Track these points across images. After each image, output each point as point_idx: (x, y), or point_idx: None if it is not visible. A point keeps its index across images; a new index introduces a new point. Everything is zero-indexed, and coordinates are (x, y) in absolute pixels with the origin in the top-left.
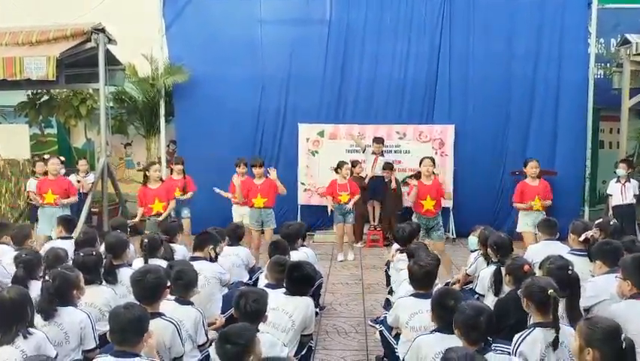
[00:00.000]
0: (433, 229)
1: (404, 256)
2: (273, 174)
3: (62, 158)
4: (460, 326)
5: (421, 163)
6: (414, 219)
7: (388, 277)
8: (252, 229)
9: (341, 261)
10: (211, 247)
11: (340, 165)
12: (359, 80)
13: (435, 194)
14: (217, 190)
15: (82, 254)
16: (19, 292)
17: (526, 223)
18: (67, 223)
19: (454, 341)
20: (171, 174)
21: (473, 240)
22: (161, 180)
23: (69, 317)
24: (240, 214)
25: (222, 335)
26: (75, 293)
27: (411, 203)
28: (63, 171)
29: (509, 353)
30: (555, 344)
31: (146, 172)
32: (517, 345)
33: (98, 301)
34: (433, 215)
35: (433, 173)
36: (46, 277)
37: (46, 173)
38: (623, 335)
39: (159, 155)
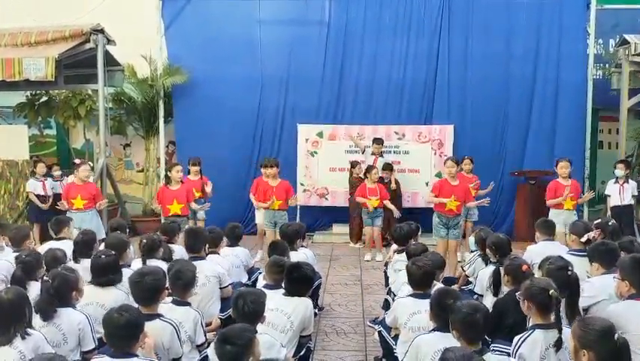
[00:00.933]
0: (453, 227)
1: (402, 256)
2: (293, 201)
3: (91, 164)
4: (457, 326)
5: (445, 164)
6: (434, 217)
7: (387, 277)
8: (266, 229)
9: (367, 261)
10: (207, 245)
11: (369, 170)
12: (358, 81)
13: (461, 196)
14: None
15: (102, 256)
16: (17, 293)
17: (556, 222)
18: (53, 225)
19: (453, 339)
20: (188, 174)
21: (472, 240)
22: (181, 181)
23: (67, 319)
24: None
25: (221, 336)
26: (74, 295)
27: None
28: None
29: (508, 354)
30: (558, 345)
31: (168, 173)
32: (517, 347)
33: (108, 303)
34: (454, 215)
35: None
36: (45, 278)
37: (45, 175)
38: (616, 335)
39: (158, 156)
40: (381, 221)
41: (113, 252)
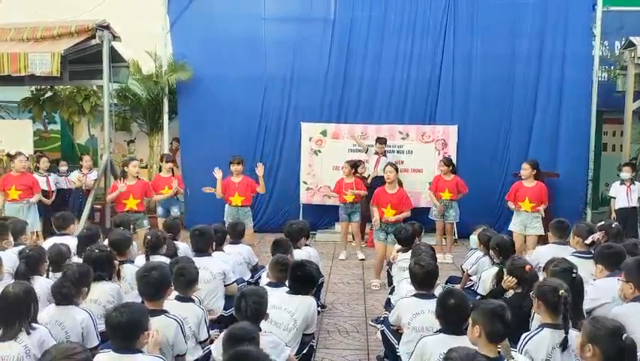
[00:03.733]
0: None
1: (407, 255)
2: (260, 170)
3: (27, 155)
4: (484, 319)
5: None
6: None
7: (390, 276)
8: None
9: (342, 260)
10: (214, 243)
11: (357, 164)
12: (362, 80)
13: (397, 204)
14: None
15: (96, 250)
16: (24, 288)
17: (514, 223)
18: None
19: (459, 342)
20: (160, 171)
21: (474, 238)
22: (137, 177)
23: (71, 317)
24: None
25: (229, 334)
26: (84, 291)
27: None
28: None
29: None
30: (564, 345)
31: (125, 168)
32: (523, 344)
33: (103, 299)
34: (391, 223)
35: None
36: (67, 271)
37: (49, 170)
38: (624, 335)
39: (162, 152)
40: (358, 217)
41: (106, 247)
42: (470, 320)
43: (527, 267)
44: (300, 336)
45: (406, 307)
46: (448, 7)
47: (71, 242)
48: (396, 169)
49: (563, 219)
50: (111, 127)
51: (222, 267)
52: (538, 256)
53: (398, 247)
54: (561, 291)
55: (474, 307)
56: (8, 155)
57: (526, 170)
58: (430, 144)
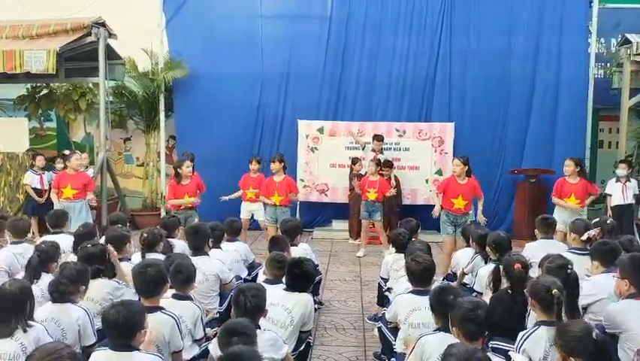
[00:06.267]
0: (461, 225)
1: (401, 255)
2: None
3: (80, 153)
4: (457, 323)
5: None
6: (442, 215)
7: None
8: (268, 225)
9: (359, 257)
10: (210, 240)
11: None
12: (359, 77)
13: (468, 195)
14: (225, 198)
15: (89, 246)
16: (20, 285)
17: (558, 221)
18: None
19: (458, 339)
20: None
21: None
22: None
23: (67, 314)
24: (249, 210)
25: (224, 329)
26: (81, 289)
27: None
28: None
29: (507, 351)
30: None
31: (178, 169)
32: (521, 342)
33: (98, 296)
34: (462, 213)
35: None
36: (65, 268)
37: (44, 168)
38: (594, 333)
39: (158, 150)
40: (380, 216)
41: (100, 244)
42: (450, 319)
43: (516, 265)
44: (296, 333)
45: (402, 303)
46: (444, 4)
47: (66, 240)
48: (464, 162)
49: (548, 215)
50: (107, 125)
51: (216, 269)
52: (530, 252)
53: (392, 248)
54: (554, 290)
55: (451, 306)
56: (62, 154)
57: (569, 166)
58: (427, 142)
